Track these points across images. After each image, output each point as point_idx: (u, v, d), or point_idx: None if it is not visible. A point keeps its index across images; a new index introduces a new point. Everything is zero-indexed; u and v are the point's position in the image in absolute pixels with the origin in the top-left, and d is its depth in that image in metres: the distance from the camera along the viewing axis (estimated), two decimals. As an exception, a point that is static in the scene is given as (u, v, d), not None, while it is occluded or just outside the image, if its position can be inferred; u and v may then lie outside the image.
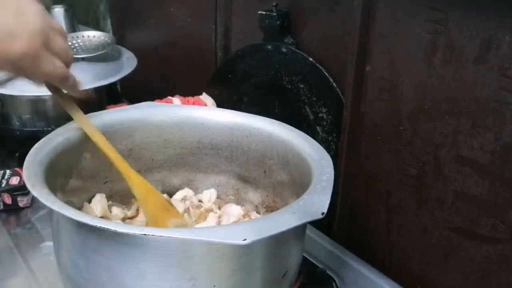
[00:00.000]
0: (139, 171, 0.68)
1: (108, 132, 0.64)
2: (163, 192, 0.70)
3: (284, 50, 0.79)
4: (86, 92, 0.60)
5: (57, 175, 0.57)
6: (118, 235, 0.46)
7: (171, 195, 0.71)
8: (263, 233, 0.43)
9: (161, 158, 0.70)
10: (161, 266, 0.47)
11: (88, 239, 0.48)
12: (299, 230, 0.55)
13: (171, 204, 0.64)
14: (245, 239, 0.41)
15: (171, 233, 0.45)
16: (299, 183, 0.60)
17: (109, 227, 0.44)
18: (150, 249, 0.46)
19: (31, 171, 0.52)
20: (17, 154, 0.89)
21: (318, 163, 0.57)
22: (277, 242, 0.51)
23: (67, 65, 0.56)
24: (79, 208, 0.63)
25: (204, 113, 0.71)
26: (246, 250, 0.48)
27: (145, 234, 0.44)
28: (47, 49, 0.53)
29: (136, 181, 0.59)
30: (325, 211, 0.47)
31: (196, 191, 0.72)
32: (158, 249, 0.46)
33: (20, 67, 0.52)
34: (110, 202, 0.67)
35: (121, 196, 0.67)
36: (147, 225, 0.62)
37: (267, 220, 0.47)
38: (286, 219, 0.46)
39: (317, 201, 0.49)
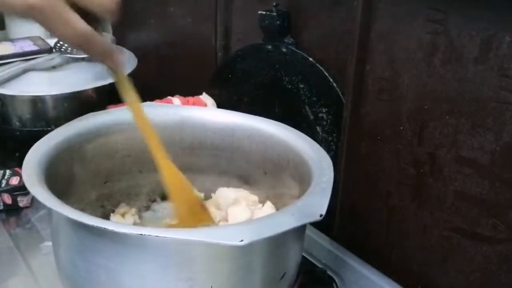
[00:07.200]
0: (139, 172, 0.69)
1: (108, 132, 0.64)
2: (163, 193, 0.70)
3: (284, 50, 0.79)
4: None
5: (58, 175, 0.56)
6: (116, 235, 0.45)
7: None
8: (260, 234, 0.43)
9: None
10: (159, 266, 0.47)
11: (86, 239, 0.48)
12: (298, 231, 0.55)
13: (205, 206, 0.62)
14: (241, 240, 0.41)
15: (169, 233, 0.45)
16: (299, 184, 0.60)
17: (107, 227, 0.44)
18: (148, 249, 0.46)
19: (30, 171, 0.52)
20: (17, 154, 0.89)
21: (318, 164, 0.57)
22: (276, 243, 0.50)
23: (113, 15, 0.43)
24: (82, 209, 0.63)
25: (206, 114, 0.71)
26: (244, 251, 0.48)
27: (141, 234, 0.44)
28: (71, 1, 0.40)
29: (170, 175, 0.57)
30: (323, 213, 0.47)
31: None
32: (157, 249, 0.46)
33: (35, 21, 0.40)
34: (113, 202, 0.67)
35: (122, 195, 0.67)
36: (175, 222, 0.60)
37: (265, 222, 0.47)
38: (284, 220, 0.46)
39: (315, 202, 0.49)
